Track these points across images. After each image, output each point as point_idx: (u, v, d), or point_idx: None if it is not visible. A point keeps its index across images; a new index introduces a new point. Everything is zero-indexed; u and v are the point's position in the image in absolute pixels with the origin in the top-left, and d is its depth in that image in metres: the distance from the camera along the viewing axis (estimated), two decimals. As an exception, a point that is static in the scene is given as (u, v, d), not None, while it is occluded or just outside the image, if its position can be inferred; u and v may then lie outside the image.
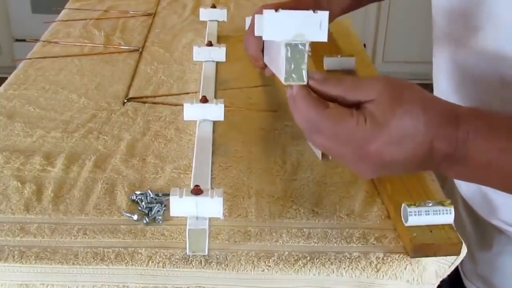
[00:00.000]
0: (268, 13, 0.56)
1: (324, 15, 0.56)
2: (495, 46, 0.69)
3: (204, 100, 0.86)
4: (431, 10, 0.82)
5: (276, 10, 0.56)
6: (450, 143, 0.54)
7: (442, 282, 0.69)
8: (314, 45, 1.13)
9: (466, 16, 0.72)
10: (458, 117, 0.55)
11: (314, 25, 0.56)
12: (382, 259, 0.66)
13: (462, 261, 0.67)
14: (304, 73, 0.56)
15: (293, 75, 0.57)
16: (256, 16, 0.60)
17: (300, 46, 0.56)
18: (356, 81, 0.57)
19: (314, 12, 0.56)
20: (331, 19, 0.99)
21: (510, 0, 0.66)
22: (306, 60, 0.56)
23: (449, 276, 0.68)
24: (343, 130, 0.54)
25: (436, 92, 0.88)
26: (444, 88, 0.83)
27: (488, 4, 0.68)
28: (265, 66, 0.86)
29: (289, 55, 0.56)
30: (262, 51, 0.86)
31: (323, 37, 0.56)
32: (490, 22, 0.69)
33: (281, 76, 0.58)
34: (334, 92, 0.56)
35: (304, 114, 0.56)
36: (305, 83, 0.56)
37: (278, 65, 0.60)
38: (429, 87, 0.89)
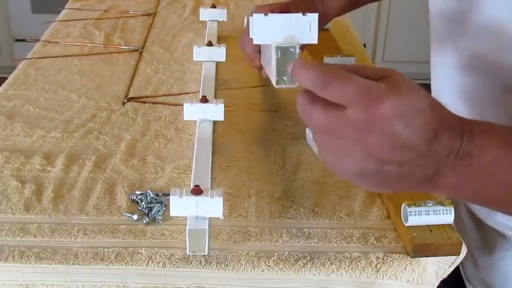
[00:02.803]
0: (257, 17, 0.56)
1: (313, 17, 0.56)
2: (493, 50, 0.69)
3: (204, 100, 0.86)
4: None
5: (266, 14, 0.56)
6: (455, 134, 0.51)
7: (444, 286, 0.69)
8: (314, 45, 1.14)
9: (464, 20, 0.72)
10: (461, 119, 0.53)
11: (304, 28, 0.56)
12: (382, 259, 0.66)
13: (464, 265, 0.67)
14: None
15: (284, 78, 0.57)
16: (250, 18, 0.61)
17: (290, 49, 0.56)
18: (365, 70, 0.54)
19: (303, 14, 0.56)
20: (326, 20, 0.99)
21: (507, 4, 0.66)
22: None
23: (451, 280, 0.69)
24: (350, 91, 0.49)
25: (434, 97, 0.88)
26: (443, 95, 0.83)
27: (486, 8, 0.68)
28: (261, 66, 0.85)
29: (280, 58, 0.56)
30: (260, 51, 0.86)
31: (313, 39, 0.56)
32: (488, 26, 0.68)
33: (273, 79, 0.57)
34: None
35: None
36: (297, 85, 0.56)
37: (270, 68, 0.60)
38: (429, 87, 0.89)
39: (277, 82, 0.57)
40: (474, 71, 0.73)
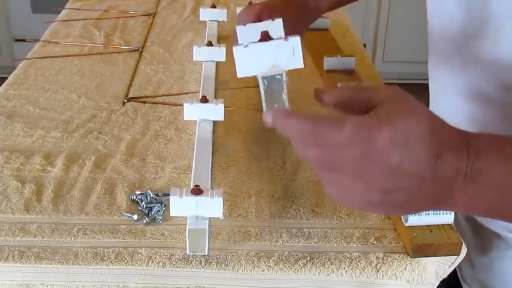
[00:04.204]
0: (237, 50, 0.54)
1: (295, 41, 0.54)
2: (494, 53, 0.69)
3: (204, 100, 0.86)
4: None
5: (246, 45, 0.54)
6: (459, 155, 0.50)
7: (444, 286, 0.69)
8: (314, 45, 1.14)
9: (464, 23, 0.72)
10: (465, 135, 0.51)
11: (287, 53, 0.54)
12: (382, 259, 0.66)
13: (460, 265, 0.67)
14: (286, 101, 0.54)
15: (275, 105, 0.55)
16: (233, 49, 0.57)
17: (277, 77, 0.54)
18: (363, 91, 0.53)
19: (285, 40, 0.54)
20: (318, 15, 0.98)
21: (508, 6, 0.66)
22: (285, 90, 0.54)
23: (447, 280, 0.68)
24: (346, 131, 0.49)
25: (432, 99, 0.88)
26: (442, 96, 0.83)
27: (487, 11, 0.68)
28: None
29: (267, 87, 0.55)
30: None
31: (298, 64, 0.54)
32: (489, 28, 0.68)
33: (264, 108, 0.55)
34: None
35: (298, 129, 0.50)
36: None
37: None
38: (428, 87, 0.89)
39: (267, 111, 0.55)
40: (473, 71, 0.73)
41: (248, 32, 0.72)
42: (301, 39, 0.89)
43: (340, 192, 0.51)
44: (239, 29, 0.72)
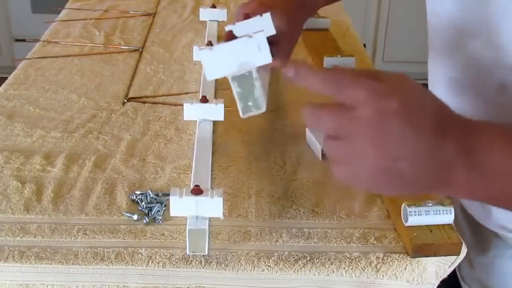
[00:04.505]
0: (203, 53, 0.53)
1: (260, 37, 0.53)
2: (493, 52, 0.69)
3: (204, 100, 0.86)
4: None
5: (211, 46, 0.53)
6: (464, 130, 0.51)
7: (443, 286, 0.69)
8: (314, 45, 1.14)
9: (463, 22, 0.72)
10: (469, 119, 0.53)
11: (253, 50, 0.53)
12: (382, 259, 0.66)
13: (460, 265, 0.67)
14: (261, 100, 0.54)
15: (249, 104, 0.54)
16: (198, 53, 0.57)
17: (246, 74, 0.53)
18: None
19: (249, 37, 0.53)
20: (317, 8, 0.98)
21: (505, 3, 0.66)
22: (257, 87, 0.53)
23: (447, 280, 0.68)
24: (363, 91, 0.50)
25: None
26: (441, 95, 0.83)
27: (485, 10, 0.68)
28: None
29: (238, 88, 0.54)
30: None
31: (266, 59, 0.53)
32: (488, 28, 0.68)
33: (239, 109, 0.55)
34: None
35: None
36: (264, 110, 0.54)
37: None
38: (427, 87, 0.89)
39: (244, 111, 0.54)
40: (473, 71, 0.73)
41: (238, 31, 0.73)
42: (299, 34, 0.89)
43: (349, 164, 0.52)
44: (229, 29, 0.73)
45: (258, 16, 0.73)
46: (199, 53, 0.53)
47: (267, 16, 0.72)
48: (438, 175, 0.51)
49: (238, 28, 0.74)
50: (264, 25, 0.72)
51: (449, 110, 0.53)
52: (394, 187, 0.53)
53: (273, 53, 0.81)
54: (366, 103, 0.49)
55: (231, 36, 0.57)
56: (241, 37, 0.52)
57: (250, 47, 0.52)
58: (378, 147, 0.50)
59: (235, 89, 0.53)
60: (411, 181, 0.52)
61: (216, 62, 0.53)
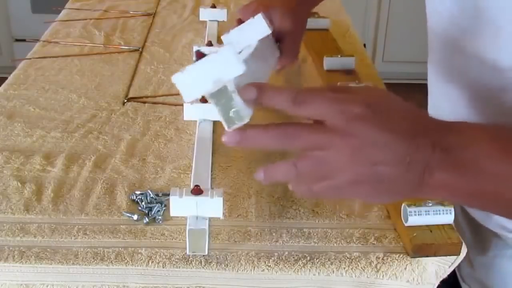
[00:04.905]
0: (176, 78, 0.52)
1: (225, 50, 0.51)
2: (493, 52, 0.69)
3: (204, 100, 0.86)
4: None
5: (182, 70, 0.52)
6: (439, 128, 0.51)
7: (443, 286, 0.69)
8: (314, 45, 1.14)
9: (463, 22, 0.72)
10: (445, 121, 0.53)
11: (222, 65, 0.51)
12: (382, 259, 0.66)
13: (459, 265, 0.67)
14: (242, 111, 0.53)
15: (231, 116, 0.53)
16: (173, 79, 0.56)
17: (222, 89, 0.52)
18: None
19: (215, 53, 0.52)
20: (317, 2, 0.98)
21: (505, 3, 0.66)
22: (236, 99, 0.52)
23: (447, 280, 0.68)
24: (326, 103, 0.50)
25: (431, 99, 0.88)
26: (441, 94, 0.83)
27: (485, 10, 0.68)
28: None
29: (217, 104, 0.52)
30: None
31: (237, 70, 0.51)
32: (487, 27, 0.68)
33: (224, 124, 0.54)
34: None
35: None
36: (247, 121, 0.53)
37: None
38: (427, 87, 0.89)
39: (229, 126, 0.53)
40: (473, 70, 0.73)
41: (232, 38, 0.73)
42: (304, 29, 0.89)
43: (327, 178, 0.52)
44: (224, 38, 0.73)
45: (251, 19, 0.73)
46: (172, 78, 0.52)
47: (259, 17, 0.72)
48: (418, 177, 0.51)
49: (232, 35, 0.74)
50: (258, 26, 0.72)
51: (422, 112, 0.52)
52: (376, 193, 0.52)
53: (280, 51, 0.82)
54: (331, 113, 0.50)
55: (201, 55, 0.56)
56: (209, 54, 0.52)
57: (218, 63, 0.51)
58: (353, 155, 0.50)
59: (214, 105, 0.52)
60: (392, 185, 0.51)
61: (190, 83, 0.52)
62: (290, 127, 0.52)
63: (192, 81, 0.52)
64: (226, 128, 0.53)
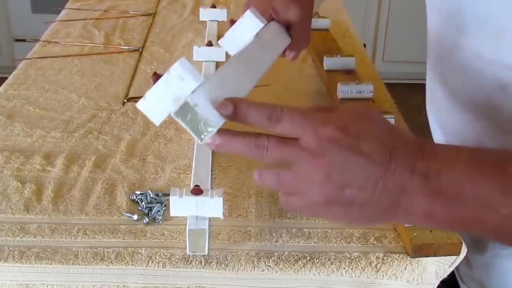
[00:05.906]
0: (140, 105, 0.51)
1: (176, 67, 0.49)
2: (492, 50, 0.69)
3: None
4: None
5: (144, 97, 0.51)
6: (414, 152, 0.49)
7: (443, 286, 0.69)
8: (314, 45, 1.14)
9: (462, 20, 0.72)
10: (422, 140, 0.51)
11: (177, 83, 0.51)
12: (382, 259, 0.66)
13: (458, 265, 0.67)
14: (211, 121, 0.52)
15: (200, 127, 0.51)
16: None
17: (184, 106, 0.51)
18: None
19: (167, 73, 0.51)
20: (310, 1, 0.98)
21: (506, 3, 0.66)
22: (200, 111, 0.51)
23: (446, 280, 0.68)
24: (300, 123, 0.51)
25: (430, 99, 0.88)
26: (440, 94, 0.83)
27: (484, 8, 0.68)
28: None
29: (183, 121, 0.51)
30: None
31: (193, 82, 0.49)
32: (487, 25, 0.68)
33: (195, 138, 0.54)
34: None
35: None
36: (218, 127, 0.52)
37: None
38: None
39: (201, 139, 0.53)
40: (472, 70, 0.73)
41: (229, 40, 0.74)
42: (311, 17, 0.91)
43: (300, 194, 0.52)
44: (221, 42, 0.76)
45: (241, 17, 0.74)
46: (137, 106, 0.52)
47: (248, 14, 0.73)
48: (394, 202, 0.49)
49: (227, 38, 0.75)
50: (250, 22, 0.73)
51: (403, 136, 0.51)
52: (348, 216, 0.52)
53: (291, 38, 0.83)
54: (305, 133, 0.50)
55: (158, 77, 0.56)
56: (162, 74, 0.52)
57: (172, 82, 0.51)
58: (324, 176, 0.49)
59: (181, 123, 0.52)
60: (364, 209, 0.50)
61: (153, 108, 0.52)
62: (265, 139, 0.52)
63: (154, 104, 0.52)
64: (199, 142, 0.53)
